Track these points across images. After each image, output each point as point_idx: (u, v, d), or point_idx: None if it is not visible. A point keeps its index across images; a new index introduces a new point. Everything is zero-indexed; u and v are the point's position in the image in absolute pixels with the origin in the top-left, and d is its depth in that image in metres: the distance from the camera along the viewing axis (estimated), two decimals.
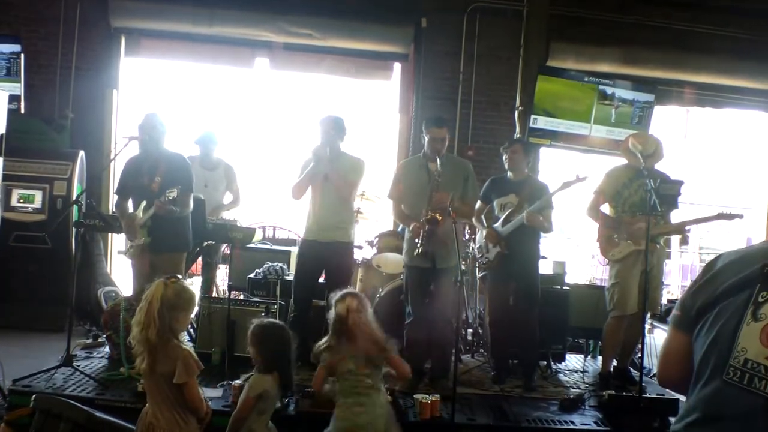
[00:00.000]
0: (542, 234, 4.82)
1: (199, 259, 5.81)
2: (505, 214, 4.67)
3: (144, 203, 4.36)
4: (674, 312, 1.75)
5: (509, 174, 4.86)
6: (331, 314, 3.18)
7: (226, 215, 5.67)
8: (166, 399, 2.70)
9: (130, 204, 4.57)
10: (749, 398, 1.48)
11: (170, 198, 4.14)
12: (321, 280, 4.92)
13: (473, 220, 4.92)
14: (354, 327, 3.04)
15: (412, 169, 4.63)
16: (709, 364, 1.57)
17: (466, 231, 5.54)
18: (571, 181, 4.53)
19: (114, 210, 5.10)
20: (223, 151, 5.89)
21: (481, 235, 4.88)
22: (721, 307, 1.58)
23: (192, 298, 2.84)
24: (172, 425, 2.69)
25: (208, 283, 5.80)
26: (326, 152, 4.53)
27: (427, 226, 4.25)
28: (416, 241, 4.33)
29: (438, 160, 4.33)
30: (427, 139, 4.50)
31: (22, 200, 6.03)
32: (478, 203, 4.88)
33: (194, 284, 5.87)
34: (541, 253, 4.99)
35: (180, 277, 2.88)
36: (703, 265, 1.74)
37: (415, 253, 4.34)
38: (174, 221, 4.40)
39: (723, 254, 1.69)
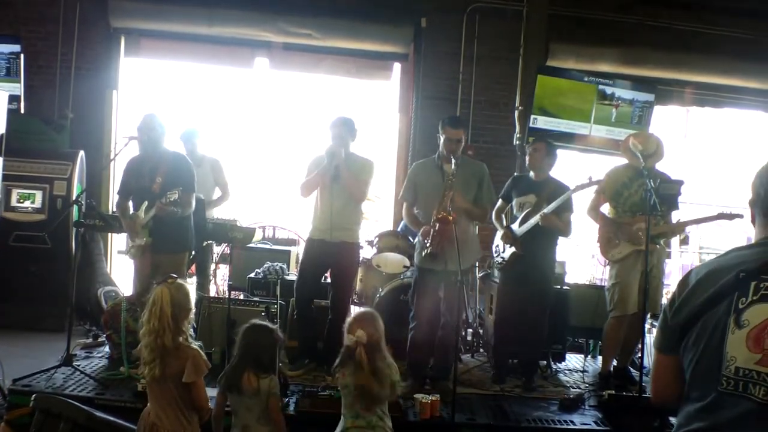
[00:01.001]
0: (560, 237, 4.76)
1: None
2: (523, 213, 4.65)
3: (146, 204, 4.36)
4: (657, 336, 1.76)
5: (531, 173, 4.84)
6: (344, 338, 3.00)
7: (217, 211, 5.66)
8: (172, 399, 2.70)
9: (130, 204, 4.57)
10: (746, 405, 1.49)
11: (171, 200, 4.15)
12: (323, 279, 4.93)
13: (492, 218, 4.91)
14: (361, 361, 2.87)
15: (427, 171, 4.60)
16: (701, 378, 1.59)
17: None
18: (584, 183, 4.52)
19: (115, 210, 5.09)
20: (207, 146, 5.88)
21: (497, 234, 4.86)
22: (703, 320, 1.59)
23: (189, 293, 2.85)
24: (176, 426, 2.69)
25: (204, 282, 5.80)
26: (341, 152, 4.53)
27: (437, 225, 4.22)
28: (425, 241, 4.32)
29: (453, 161, 4.32)
30: (442, 140, 4.48)
31: (21, 200, 6.03)
32: (499, 202, 4.87)
33: (193, 284, 5.88)
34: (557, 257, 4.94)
35: (176, 276, 2.88)
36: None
37: (423, 254, 4.33)
38: (176, 221, 4.40)
39: (694, 269, 1.70)
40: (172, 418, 2.69)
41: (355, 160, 4.66)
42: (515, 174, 4.96)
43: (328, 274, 4.97)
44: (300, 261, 4.90)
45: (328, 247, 4.63)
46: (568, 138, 6.86)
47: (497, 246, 4.85)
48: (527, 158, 4.82)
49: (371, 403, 2.90)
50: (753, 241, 1.68)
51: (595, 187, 4.69)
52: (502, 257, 4.75)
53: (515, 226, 4.66)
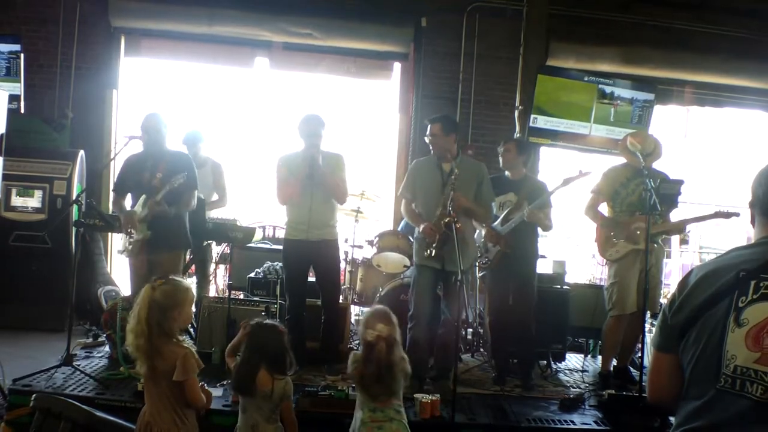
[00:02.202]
0: (541, 232, 4.83)
1: None
2: (504, 212, 4.67)
3: (144, 197, 4.37)
4: (655, 335, 1.77)
5: (507, 173, 4.86)
6: (361, 333, 3.05)
7: (214, 213, 5.65)
8: (164, 398, 2.70)
9: (128, 202, 4.57)
10: (744, 403, 1.50)
11: (176, 185, 4.20)
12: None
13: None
14: (380, 356, 2.89)
15: (425, 169, 4.60)
16: (700, 376, 1.59)
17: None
18: (573, 176, 4.53)
19: (112, 207, 5.09)
20: (210, 149, 5.87)
21: (479, 234, 4.87)
22: (703, 319, 1.59)
23: (185, 293, 2.80)
24: (169, 424, 2.69)
25: (204, 282, 5.80)
26: (319, 153, 4.53)
27: (444, 230, 4.23)
28: (428, 240, 4.32)
29: (454, 161, 4.34)
30: None
31: (21, 197, 6.02)
32: None
33: (193, 284, 5.87)
34: (540, 252, 5.00)
35: (175, 277, 2.85)
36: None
37: (425, 254, 4.33)
38: (171, 219, 4.40)
39: (694, 269, 1.71)
40: (166, 416, 2.70)
41: (328, 157, 4.61)
42: (491, 175, 4.97)
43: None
44: (283, 263, 4.84)
45: (309, 246, 4.57)
46: (568, 137, 6.86)
47: (480, 246, 4.86)
48: (500, 159, 4.84)
49: (389, 396, 2.94)
50: (752, 241, 1.68)
51: (588, 184, 4.71)
52: (486, 257, 4.77)
53: (497, 225, 4.68)
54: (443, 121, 4.53)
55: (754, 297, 1.53)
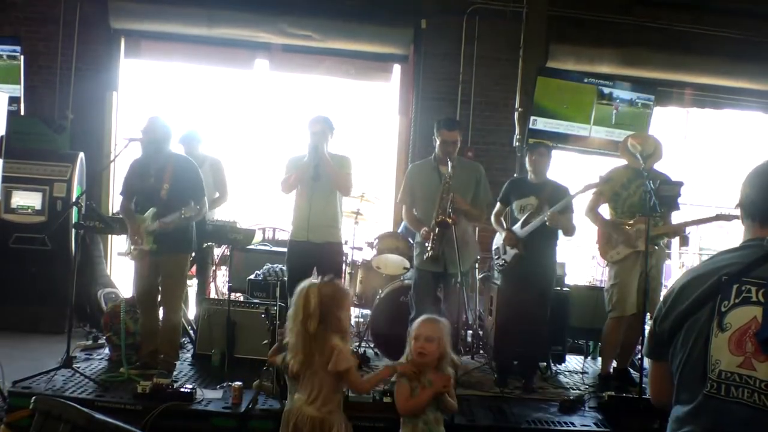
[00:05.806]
0: (562, 236, 4.77)
1: None
2: (525, 216, 4.65)
3: (153, 210, 4.35)
4: (645, 343, 1.79)
5: (530, 176, 4.84)
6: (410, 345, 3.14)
7: (216, 212, 5.65)
8: (327, 385, 2.83)
9: (133, 205, 4.56)
10: (731, 408, 1.51)
11: (187, 216, 4.22)
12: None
13: (492, 221, 4.91)
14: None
15: (424, 172, 4.60)
16: (688, 381, 1.60)
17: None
18: (593, 183, 4.52)
19: (118, 211, 5.08)
20: (208, 147, 5.86)
21: (498, 237, 4.86)
22: (688, 324, 1.60)
23: (348, 295, 3.04)
24: (335, 411, 2.86)
25: (204, 284, 5.80)
26: (324, 148, 4.52)
27: (437, 229, 4.23)
28: (426, 244, 4.32)
29: (450, 163, 4.32)
30: (438, 142, 4.48)
31: (21, 204, 6.02)
32: (498, 205, 4.88)
33: (193, 286, 5.87)
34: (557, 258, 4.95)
35: (336, 280, 2.99)
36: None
37: (425, 257, 4.33)
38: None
39: (684, 273, 1.72)
40: (329, 401, 2.83)
41: (333, 157, 4.63)
42: (513, 177, 4.95)
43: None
44: (287, 265, 4.85)
45: (313, 248, 4.58)
46: (567, 139, 6.86)
47: (497, 248, 4.85)
48: (531, 163, 4.78)
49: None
50: (738, 244, 1.68)
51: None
52: (503, 259, 4.74)
53: (517, 228, 4.67)
54: (460, 126, 4.65)
55: (737, 301, 1.53)
